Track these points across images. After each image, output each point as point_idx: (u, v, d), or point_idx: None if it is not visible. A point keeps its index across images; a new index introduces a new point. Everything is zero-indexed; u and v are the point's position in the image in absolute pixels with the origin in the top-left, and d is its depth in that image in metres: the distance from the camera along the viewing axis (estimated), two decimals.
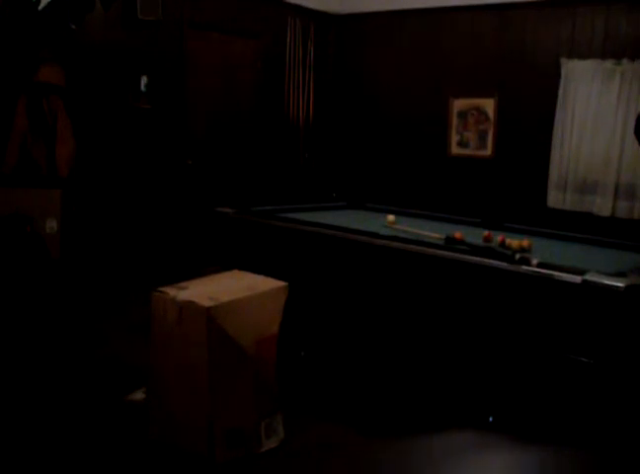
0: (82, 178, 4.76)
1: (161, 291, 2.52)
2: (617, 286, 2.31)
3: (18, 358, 3.40)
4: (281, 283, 2.69)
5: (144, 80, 5.16)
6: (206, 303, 2.39)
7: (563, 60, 5.29)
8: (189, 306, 2.41)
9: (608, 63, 5.08)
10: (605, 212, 5.15)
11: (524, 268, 2.56)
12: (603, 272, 2.45)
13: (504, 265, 2.62)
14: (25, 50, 4.34)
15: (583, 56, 5.22)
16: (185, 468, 2.46)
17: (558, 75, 5.32)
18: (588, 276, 2.40)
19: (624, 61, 5.00)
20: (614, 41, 5.08)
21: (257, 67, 6.09)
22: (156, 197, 5.35)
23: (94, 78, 4.85)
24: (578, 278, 2.41)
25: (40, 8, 4.11)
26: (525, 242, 3.12)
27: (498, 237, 3.21)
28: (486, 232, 3.34)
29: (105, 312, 4.32)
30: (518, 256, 2.65)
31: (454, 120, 5.96)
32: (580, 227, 4.44)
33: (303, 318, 3.19)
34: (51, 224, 4.32)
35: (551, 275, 2.51)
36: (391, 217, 3.73)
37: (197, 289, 2.55)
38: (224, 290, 2.54)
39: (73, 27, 4.40)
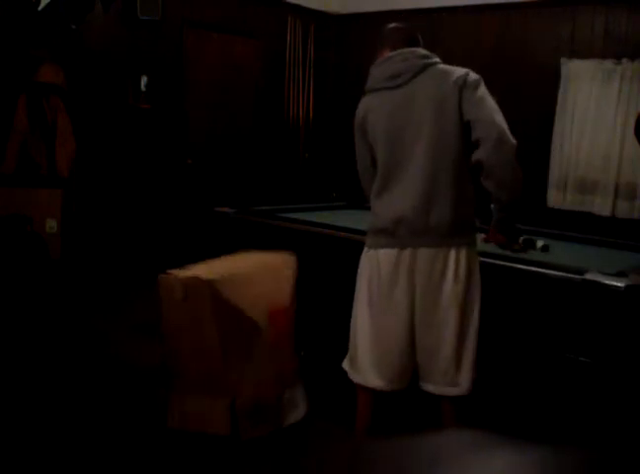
0: (82, 178, 4.76)
1: (166, 272, 2.50)
2: (617, 286, 2.31)
3: (18, 359, 3.40)
4: (288, 256, 2.65)
5: (144, 80, 5.16)
6: (209, 277, 2.36)
7: (563, 60, 5.29)
8: (192, 282, 2.37)
9: (608, 63, 5.08)
10: (605, 212, 5.14)
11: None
12: (604, 272, 2.45)
13: (502, 263, 2.63)
14: (25, 50, 4.34)
15: (583, 56, 5.21)
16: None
17: (558, 75, 5.32)
18: (588, 276, 2.40)
19: (624, 61, 5.00)
20: (614, 41, 5.07)
21: (257, 67, 6.09)
22: (156, 196, 5.35)
23: (94, 78, 4.85)
24: (578, 278, 2.41)
25: (39, 8, 4.11)
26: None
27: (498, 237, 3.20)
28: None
29: (105, 312, 4.32)
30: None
31: None
32: (580, 227, 4.44)
33: (303, 318, 3.19)
34: (51, 224, 4.33)
35: (552, 274, 2.51)
36: None
37: (202, 268, 2.52)
38: (230, 267, 2.52)
39: (73, 27, 4.40)
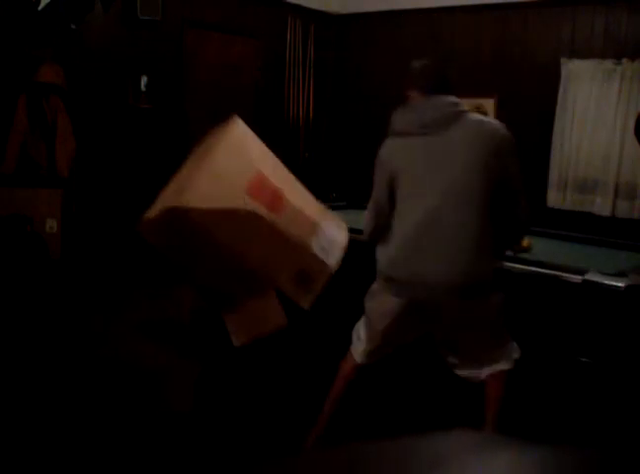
0: (82, 178, 4.76)
1: (143, 219, 2.35)
2: (617, 286, 2.31)
3: (18, 359, 3.40)
4: (230, 123, 2.43)
5: (144, 80, 5.16)
6: (177, 202, 2.18)
7: (563, 60, 5.29)
8: (169, 215, 2.20)
9: (608, 63, 5.08)
10: (605, 212, 5.14)
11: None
12: (604, 272, 2.45)
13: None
14: (25, 50, 4.34)
15: (583, 56, 5.21)
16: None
17: (558, 75, 5.32)
18: (588, 276, 2.40)
19: (624, 61, 5.00)
20: (614, 41, 5.08)
21: (257, 67, 6.09)
22: (156, 197, 5.34)
23: (94, 78, 4.85)
24: (578, 278, 2.41)
25: (39, 8, 4.11)
26: (526, 242, 3.12)
27: None
28: None
29: (105, 312, 4.32)
30: None
31: None
32: (580, 227, 4.44)
33: (303, 318, 3.19)
34: (51, 224, 4.33)
35: (552, 274, 2.51)
36: None
37: (162, 197, 2.42)
38: (185, 177, 2.39)
39: (73, 27, 4.40)
